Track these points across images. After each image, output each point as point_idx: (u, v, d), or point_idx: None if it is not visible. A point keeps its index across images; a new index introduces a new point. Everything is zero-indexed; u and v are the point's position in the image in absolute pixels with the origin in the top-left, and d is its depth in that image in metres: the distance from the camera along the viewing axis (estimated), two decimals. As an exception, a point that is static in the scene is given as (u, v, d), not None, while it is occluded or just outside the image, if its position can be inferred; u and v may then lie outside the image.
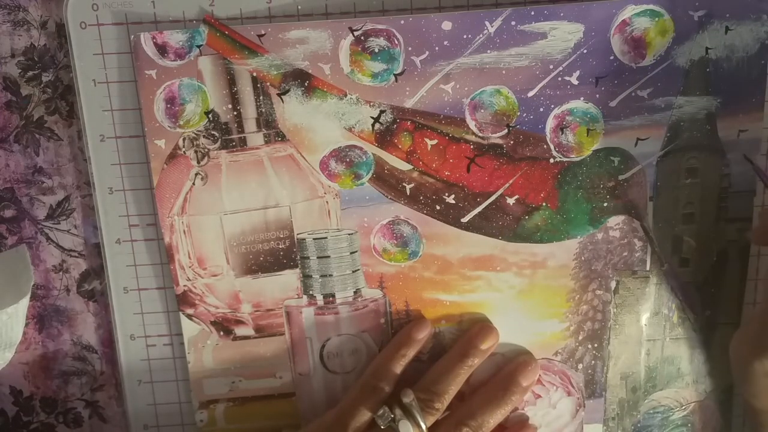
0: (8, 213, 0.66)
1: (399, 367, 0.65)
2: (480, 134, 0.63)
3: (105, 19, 0.62)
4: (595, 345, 0.68)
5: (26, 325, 0.66)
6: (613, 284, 0.67)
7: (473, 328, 0.67)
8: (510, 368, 0.67)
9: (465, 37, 0.61)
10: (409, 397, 0.63)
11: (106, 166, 0.65)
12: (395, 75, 0.62)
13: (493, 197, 0.64)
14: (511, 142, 0.63)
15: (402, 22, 0.61)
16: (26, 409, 0.70)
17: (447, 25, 0.61)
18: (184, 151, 0.63)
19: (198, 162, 0.63)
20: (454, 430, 0.64)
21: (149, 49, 0.61)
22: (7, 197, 0.66)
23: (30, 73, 0.64)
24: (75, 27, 0.62)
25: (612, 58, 0.62)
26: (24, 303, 0.63)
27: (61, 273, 0.67)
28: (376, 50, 0.61)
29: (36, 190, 0.66)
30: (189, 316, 0.66)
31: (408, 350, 0.65)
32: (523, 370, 0.66)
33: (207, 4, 0.62)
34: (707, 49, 0.62)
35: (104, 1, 0.62)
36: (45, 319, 0.68)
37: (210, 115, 0.63)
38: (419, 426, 0.63)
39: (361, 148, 0.63)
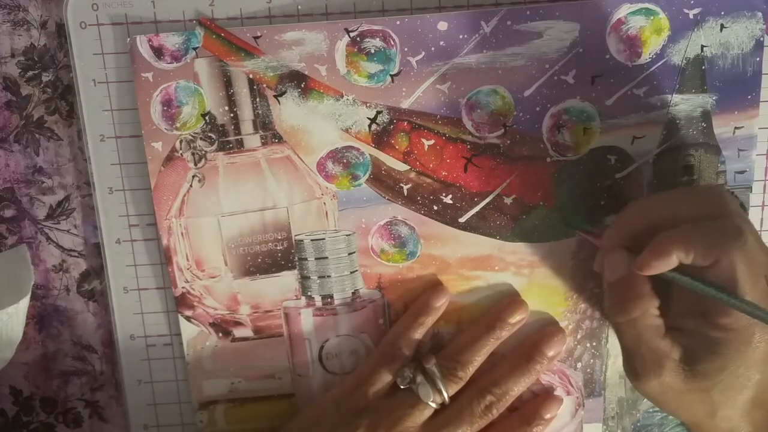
0: (8, 213, 0.67)
1: (418, 335, 0.65)
2: (477, 134, 0.63)
3: (105, 19, 0.62)
4: (594, 343, 0.68)
5: (26, 325, 0.66)
6: (611, 283, 0.67)
7: (503, 300, 0.66)
8: (536, 338, 0.66)
9: (461, 37, 0.61)
10: (430, 362, 0.64)
11: (106, 166, 0.65)
12: (391, 76, 0.62)
13: (491, 197, 0.64)
14: (508, 142, 0.63)
15: (398, 22, 0.61)
16: (26, 409, 0.70)
17: (443, 26, 0.61)
18: (181, 154, 0.63)
19: (195, 164, 0.63)
20: (478, 397, 0.64)
21: (145, 51, 0.61)
22: (7, 197, 0.66)
23: (30, 73, 0.64)
24: (75, 27, 0.62)
25: (608, 56, 0.62)
26: (24, 303, 0.63)
27: (61, 273, 0.68)
28: (372, 51, 0.62)
29: (36, 190, 0.66)
30: (188, 318, 0.66)
31: (426, 318, 0.65)
32: (549, 340, 0.66)
33: (207, 5, 0.62)
34: (702, 46, 0.62)
35: (104, 1, 0.62)
36: (45, 319, 0.68)
37: (206, 117, 0.63)
38: (440, 392, 0.63)
39: (358, 149, 0.64)
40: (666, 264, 0.55)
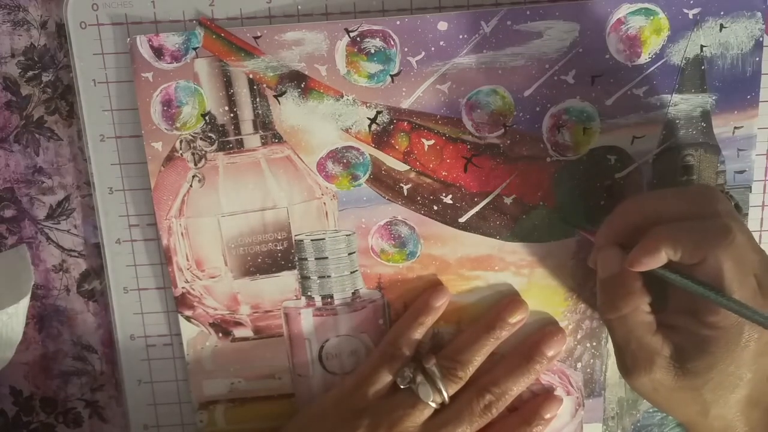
0: (8, 213, 0.67)
1: (418, 335, 0.65)
2: (477, 134, 0.63)
3: (105, 19, 0.62)
4: (594, 343, 0.68)
5: (26, 325, 0.66)
6: (611, 282, 0.66)
7: (503, 300, 0.66)
8: (536, 338, 0.66)
9: (461, 37, 0.61)
10: (430, 362, 0.64)
11: (106, 166, 0.65)
12: (391, 76, 0.62)
13: (491, 197, 0.64)
14: (508, 142, 0.63)
15: (398, 22, 0.61)
16: (26, 409, 0.70)
17: (443, 26, 0.61)
18: (181, 154, 0.63)
19: (195, 164, 0.63)
20: (477, 396, 0.64)
21: (145, 51, 0.61)
22: (7, 197, 0.66)
23: (30, 73, 0.65)
24: (75, 27, 0.62)
25: (607, 56, 0.62)
26: (24, 303, 0.63)
27: (61, 273, 0.68)
28: (372, 51, 0.62)
29: (36, 190, 0.66)
30: (188, 318, 0.66)
31: (426, 318, 0.65)
32: (548, 340, 0.66)
33: (207, 5, 0.62)
34: (702, 46, 0.62)
35: (104, 1, 0.62)
36: (45, 319, 0.68)
37: (207, 118, 0.63)
38: (440, 392, 0.63)
39: (358, 149, 0.64)
40: (655, 260, 0.55)
